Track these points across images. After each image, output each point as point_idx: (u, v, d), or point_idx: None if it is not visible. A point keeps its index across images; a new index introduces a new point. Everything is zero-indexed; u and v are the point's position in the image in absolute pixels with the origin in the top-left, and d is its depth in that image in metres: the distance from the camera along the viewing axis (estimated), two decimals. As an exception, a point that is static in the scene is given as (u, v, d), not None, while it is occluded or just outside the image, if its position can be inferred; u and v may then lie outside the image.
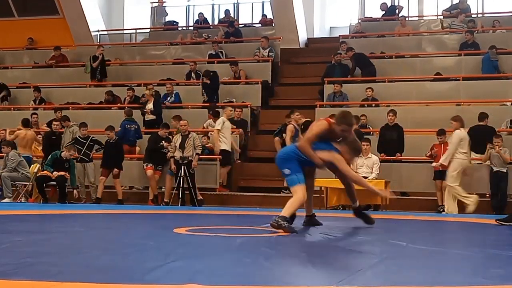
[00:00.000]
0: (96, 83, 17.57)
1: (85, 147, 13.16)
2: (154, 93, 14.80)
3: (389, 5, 19.91)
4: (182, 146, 12.57)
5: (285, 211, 6.33)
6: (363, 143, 12.17)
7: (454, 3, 19.54)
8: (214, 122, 14.79)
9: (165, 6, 22.07)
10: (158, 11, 21.91)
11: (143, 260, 4.18)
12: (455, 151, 11.35)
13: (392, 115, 13.01)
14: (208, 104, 15.54)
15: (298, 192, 6.39)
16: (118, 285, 3.26)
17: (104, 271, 3.70)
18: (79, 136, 13.33)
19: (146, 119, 14.78)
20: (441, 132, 12.21)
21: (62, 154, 12.57)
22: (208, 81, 15.40)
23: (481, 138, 12.36)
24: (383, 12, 19.55)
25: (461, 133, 11.51)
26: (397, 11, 19.64)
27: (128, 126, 14.04)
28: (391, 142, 12.89)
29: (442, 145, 12.16)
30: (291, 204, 6.41)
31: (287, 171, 6.47)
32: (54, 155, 12.64)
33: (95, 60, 17.36)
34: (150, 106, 14.71)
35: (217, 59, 17.89)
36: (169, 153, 12.86)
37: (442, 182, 11.96)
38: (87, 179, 13.17)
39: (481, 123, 12.68)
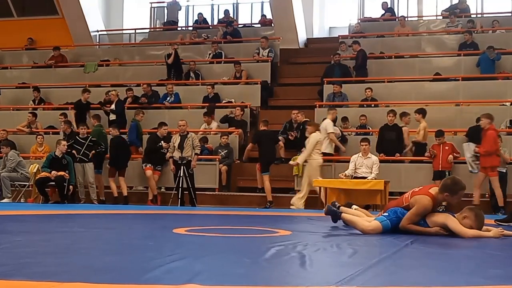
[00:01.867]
0: (94, 83, 17.54)
1: (84, 147, 13.15)
2: (118, 94, 15.40)
3: (389, 5, 19.96)
4: (181, 147, 12.57)
5: (347, 218, 6.45)
6: (362, 143, 12.20)
7: (453, 3, 19.56)
8: (208, 124, 14.78)
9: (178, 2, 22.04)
10: (171, 7, 21.85)
11: (143, 260, 4.18)
12: (311, 152, 12.11)
13: (392, 116, 13.01)
14: (207, 104, 15.56)
15: (372, 225, 6.26)
16: (118, 285, 3.25)
17: (104, 271, 3.70)
18: (78, 136, 13.33)
19: (110, 119, 15.12)
20: (440, 134, 12.22)
21: (56, 152, 12.59)
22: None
23: (479, 138, 12.38)
24: (384, 11, 19.61)
25: (317, 136, 12.27)
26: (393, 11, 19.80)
27: None
28: (390, 142, 12.90)
29: (441, 145, 12.17)
30: (356, 221, 6.37)
31: (385, 214, 6.37)
32: (49, 156, 12.66)
33: (169, 57, 17.19)
34: (112, 106, 15.14)
35: (216, 59, 17.90)
36: (168, 154, 12.86)
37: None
38: (86, 179, 13.15)
39: (479, 124, 12.70)
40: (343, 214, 6.61)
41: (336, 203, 7.03)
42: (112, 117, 15.08)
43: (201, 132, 14.48)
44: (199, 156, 12.80)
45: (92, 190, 13.15)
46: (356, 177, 11.99)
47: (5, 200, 12.70)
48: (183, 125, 12.71)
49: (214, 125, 14.85)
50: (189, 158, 12.55)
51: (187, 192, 12.54)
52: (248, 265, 4.02)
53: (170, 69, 17.22)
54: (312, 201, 12.39)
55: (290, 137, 13.95)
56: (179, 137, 12.70)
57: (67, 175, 12.40)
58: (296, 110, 14.10)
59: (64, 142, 12.65)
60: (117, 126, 13.55)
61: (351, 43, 16.92)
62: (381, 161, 12.30)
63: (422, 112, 13.00)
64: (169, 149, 12.83)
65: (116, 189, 13.11)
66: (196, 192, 12.71)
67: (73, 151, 12.97)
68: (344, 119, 14.22)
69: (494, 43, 15.95)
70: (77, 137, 13.31)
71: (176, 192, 12.62)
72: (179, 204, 12.45)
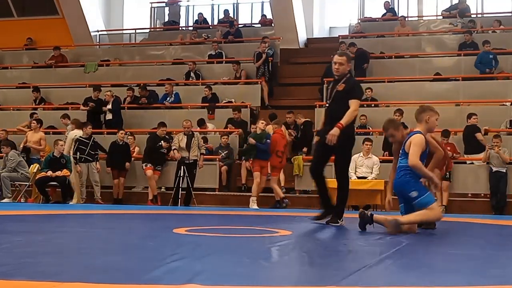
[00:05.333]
0: (94, 83, 17.49)
1: (88, 147, 13.11)
2: (114, 95, 15.56)
3: (391, 5, 19.95)
4: (188, 146, 12.49)
5: (408, 217, 6.15)
6: (366, 142, 12.18)
7: (453, 3, 19.55)
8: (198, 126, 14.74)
9: (180, 4, 21.99)
10: (172, 8, 21.82)
11: (143, 260, 4.18)
12: (70, 150, 12.58)
13: (399, 115, 12.94)
14: (207, 104, 15.55)
15: (436, 210, 6.28)
16: (118, 285, 3.26)
17: (104, 271, 3.70)
18: (81, 136, 13.29)
19: (106, 119, 15.33)
20: (446, 134, 12.20)
21: (54, 153, 12.65)
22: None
23: (467, 137, 12.43)
24: (386, 11, 19.60)
25: (73, 133, 12.75)
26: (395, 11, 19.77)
27: None
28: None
29: (444, 145, 12.16)
30: (423, 215, 6.14)
31: (414, 193, 6.13)
32: (48, 158, 12.74)
33: (259, 58, 16.52)
34: (109, 106, 15.32)
35: (217, 59, 17.89)
36: (172, 152, 12.75)
37: (442, 182, 11.96)
38: (91, 178, 13.10)
39: (468, 124, 12.74)
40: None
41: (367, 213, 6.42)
42: (108, 116, 15.21)
43: (197, 132, 14.47)
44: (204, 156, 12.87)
45: (97, 189, 13.11)
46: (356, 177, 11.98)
47: (5, 200, 12.70)
48: (188, 127, 12.66)
49: (210, 126, 14.86)
50: (195, 158, 12.52)
51: (184, 192, 12.51)
52: (248, 265, 4.02)
53: (257, 70, 16.62)
54: (313, 201, 12.38)
55: (289, 136, 13.93)
56: (185, 136, 12.60)
57: (67, 171, 12.44)
58: (290, 114, 14.08)
59: (61, 142, 12.71)
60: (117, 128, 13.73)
61: (348, 45, 16.83)
62: (383, 161, 12.28)
63: (270, 116, 13.68)
64: (172, 146, 12.81)
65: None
66: (196, 192, 12.70)
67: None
68: (344, 119, 14.19)
69: (494, 43, 15.94)
70: (80, 137, 13.26)
71: (176, 192, 12.60)
72: (179, 204, 12.44)
